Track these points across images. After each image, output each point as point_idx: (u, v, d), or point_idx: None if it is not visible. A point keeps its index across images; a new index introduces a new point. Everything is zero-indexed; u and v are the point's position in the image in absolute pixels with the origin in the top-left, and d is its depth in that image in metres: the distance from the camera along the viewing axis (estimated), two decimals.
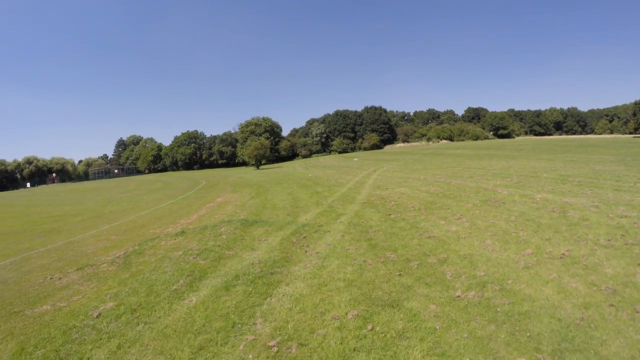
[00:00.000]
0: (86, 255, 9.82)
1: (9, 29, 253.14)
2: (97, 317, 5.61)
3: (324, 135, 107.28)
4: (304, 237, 9.45)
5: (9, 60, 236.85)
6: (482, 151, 43.40)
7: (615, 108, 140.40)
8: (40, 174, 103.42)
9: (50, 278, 8.02)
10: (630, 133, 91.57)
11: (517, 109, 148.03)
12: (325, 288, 6.03)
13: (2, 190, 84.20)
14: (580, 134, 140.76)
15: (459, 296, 5.39)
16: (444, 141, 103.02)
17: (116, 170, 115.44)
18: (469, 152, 44.79)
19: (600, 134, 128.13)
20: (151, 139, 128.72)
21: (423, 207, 11.90)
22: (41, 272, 8.60)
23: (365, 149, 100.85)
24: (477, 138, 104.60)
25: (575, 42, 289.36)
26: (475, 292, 5.49)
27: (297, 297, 5.73)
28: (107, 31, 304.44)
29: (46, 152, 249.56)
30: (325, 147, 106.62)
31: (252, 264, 7.53)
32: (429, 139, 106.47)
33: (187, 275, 7.07)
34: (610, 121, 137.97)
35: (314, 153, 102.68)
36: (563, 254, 6.72)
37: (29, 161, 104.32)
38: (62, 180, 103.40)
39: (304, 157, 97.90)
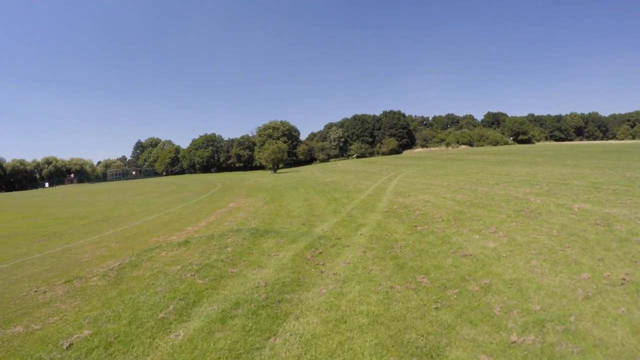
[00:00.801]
0: (79, 265, 9.01)
1: (31, 29, 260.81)
2: (66, 348, 4.69)
3: (342, 139, 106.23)
4: (320, 253, 8.33)
5: (30, 60, 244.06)
6: (504, 157, 41.72)
7: (637, 113, 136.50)
8: (59, 174, 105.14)
9: (35, 291, 7.27)
10: None
11: (537, 113, 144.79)
12: (345, 326, 4.85)
13: (21, 190, 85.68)
14: (602, 139, 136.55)
15: (515, 342, 4.20)
16: (464, 146, 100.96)
17: (134, 172, 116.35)
18: (490, 157, 43.09)
19: (622, 139, 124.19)
20: (169, 142, 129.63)
21: (452, 218, 10.69)
22: (28, 283, 7.87)
23: (383, 153, 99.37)
24: (497, 143, 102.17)
25: (596, 46, 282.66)
26: (534, 335, 4.31)
27: (309, 339, 4.57)
28: (128, 33, 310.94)
29: (65, 152, 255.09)
30: (343, 152, 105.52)
31: (257, 286, 6.44)
32: (448, 144, 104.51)
33: (180, 299, 6.01)
34: (632, 126, 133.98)
35: (332, 157, 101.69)
36: (623, 279, 5.61)
37: (48, 161, 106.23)
38: (80, 181, 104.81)
39: (322, 161, 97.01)
